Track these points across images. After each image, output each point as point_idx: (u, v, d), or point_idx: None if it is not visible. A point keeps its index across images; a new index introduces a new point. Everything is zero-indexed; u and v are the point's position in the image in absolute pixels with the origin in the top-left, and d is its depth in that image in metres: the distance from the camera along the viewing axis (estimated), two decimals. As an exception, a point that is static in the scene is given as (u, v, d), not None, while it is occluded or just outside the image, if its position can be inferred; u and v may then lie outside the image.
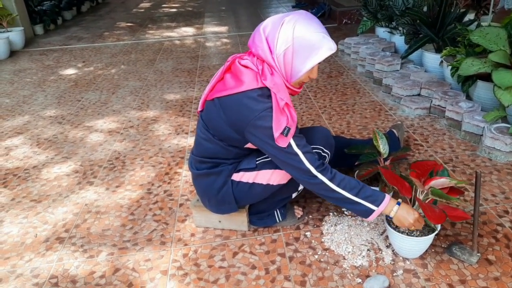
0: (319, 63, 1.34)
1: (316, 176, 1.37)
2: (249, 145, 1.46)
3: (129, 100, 3.31)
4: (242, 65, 1.38)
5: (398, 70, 3.14)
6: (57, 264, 1.62)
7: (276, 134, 1.31)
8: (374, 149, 1.75)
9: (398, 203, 1.41)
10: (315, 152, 1.54)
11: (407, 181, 1.50)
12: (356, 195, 1.38)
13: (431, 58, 3.02)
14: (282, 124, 1.32)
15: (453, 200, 1.37)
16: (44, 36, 6.04)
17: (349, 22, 5.48)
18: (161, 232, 1.76)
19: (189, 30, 5.84)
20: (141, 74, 3.97)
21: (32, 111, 3.23)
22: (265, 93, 1.34)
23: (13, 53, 5.05)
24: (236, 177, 1.55)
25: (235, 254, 1.61)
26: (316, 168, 1.37)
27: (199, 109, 1.51)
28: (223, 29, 5.85)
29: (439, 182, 1.40)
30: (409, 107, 2.66)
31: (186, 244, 1.68)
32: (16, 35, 5.17)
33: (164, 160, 2.35)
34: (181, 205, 1.93)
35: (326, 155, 1.59)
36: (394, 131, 2.14)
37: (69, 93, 3.60)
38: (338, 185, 1.38)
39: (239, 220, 1.70)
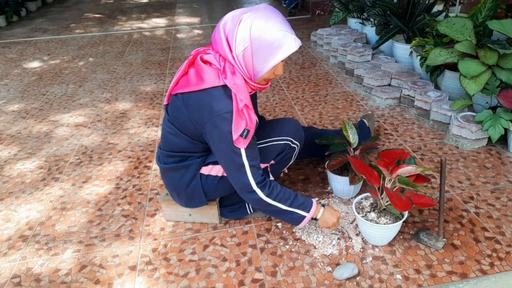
0: (282, 60, 1.30)
1: (254, 192, 1.39)
2: None
3: (97, 93, 3.21)
4: (205, 61, 1.34)
5: (369, 61, 3.16)
6: (20, 263, 1.55)
7: (235, 135, 1.29)
8: (344, 139, 1.76)
9: (323, 206, 1.50)
10: (284, 143, 1.54)
11: (376, 170, 1.51)
12: (290, 206, 1.43)
13: (401, 49, 3.05)
14: (242, 126, 1.30)
15: (419, 187, 1.39)
16: (7, 28, 5.78)
17: (322, 13, 5.49)
18: (130, 227, 1.72)
19: (160, 21, 5.72)
20: (110, 66, 3.86)
21: (-7, 105, 3.09)
22: (227, 92, 1.32)
23: (-27, 46, 4.82)
24: (205, 170, 1.53)
25: (205, 247, 1.58)
26: (257, 183, 1.38)
27: (165, 102, 1.47)
28: (195, 20, 5.75)
29: (406, 170, 1.42)
30: (380, 97, 2.69)
31: (155, 239, 1.64)
32: (-24, 26, 4.92)
33: (133, 154, 2.29)
34: (150, 199, 1.89)
35: (296, 146, 1.59)
36: (365, 121, 2.16)
37: (33, 86, 3.46)
38: (274, 199, 1.41)
39: (210, 213, 1.67)
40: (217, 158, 1.42)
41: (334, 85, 3.09)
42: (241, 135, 1.30)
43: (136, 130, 2.57)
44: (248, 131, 1.31)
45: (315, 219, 1.49)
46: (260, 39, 1.25)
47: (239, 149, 1.33)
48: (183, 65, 1.40)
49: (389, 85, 2.82)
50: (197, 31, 5.10)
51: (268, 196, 1.40)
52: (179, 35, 4.93)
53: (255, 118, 1.34)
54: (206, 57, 1.35)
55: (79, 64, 4.00)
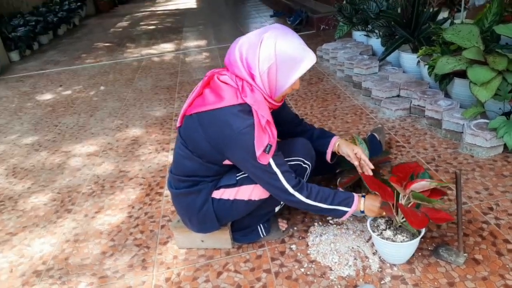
0: (303, 74, 1.34)
1: (293, 195, 1.40)
2: (227, 162, 1.44)
3: (108, 122, 3.25)
4: (221, 81, 1.37)
5: (376, 73, 3.14)
6: (34, 300, 1.55)
7: (258, 152, 1.30)
8: (354, 155, 1.72)
9: (363, 196, 1.50)
10: (296, 164, 1.52)
11: (389, 185, 1.47)
12: (331, 204, 1.45)
13: (408, 59, 3.03)
14: (264, 141, 1.31)
15: (434, 202, 1.34)
16: (20, 62, 5.96)
17: (326, 27, 5.51)
18: (143, 256, 1.70)
19: (167, 46, 5.82)
20: (120, 94, 3.92)
21: (7, 140, 3.15)
22: (245, 109, 1.33)
23: (-12, 82, 4.96)
24: (217, 194, 1.51)
25: (219, 274, 1.56)
26: (293, 187, 1.39)
27: (178, 124, 1.48)
28: (202, 43, 5.84)
29: (420, 185, 1.38)
30: (390, 109, 2.66)
31: (168, 268, 1.62)
32: (-10, 63, 5.08)
33: (144, 181, 2.29)
34: (162, 226, 1.88)
35: (307, 167, 1.57)
36: (375, 134, 2.12)
37: (46, 118, 3.52)
38: (314, 200, 1.43)
39: (222, 238, 1.65)
40: (246, 173, 1.43)
41: (342, 99, 3.07)
42: (264, 151, 1.31)
43: (147, 156, 2.58)
44: (271, 146, 1.33)
45: (362, 211, 1.50)
46: (285, 54, 1.29)
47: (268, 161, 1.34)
48: (198, 86, 1.42)
49: (398, 96, 2.79)
50: (204, 53, 5.17)
51: (307, 197, 1.41)
52: (187, 59, 5.00)
53: (276, 132, 1.36)
54: (222, 77, 1.37)
55: (90, 93, 4.07)
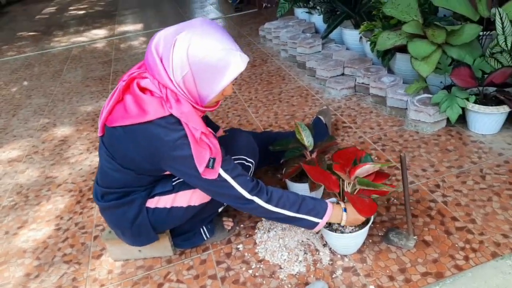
0: (231, 82, 1.13)
1: (251, 201, 1.23)
2: (167, 172, 1.27)
3: (33, 121, 2.93)
4: (143, 88, 1.15)
5: (320, 51, 3.05)
6: None
7: (201, 168, 1.13)
8: (299, 142, 1.62)
9: (344, 210, 1.32)
10: (238, 163, 1.38)
11: (334, 173, 1.38)
12: (297, 212, 1.27)
13: (351, 35, 2.95)
14: (205, 156, 1.14)
15: (381, 187, 1.26)
16: None
17: (269, 5, 5.35)
18: (73, 275, 1.51)
19: (100, 33, 5.40)
20: (46, 88, 3.56)
21: None
22: (176, 120, 1.14)
23: None
24: (151, 203, 1.35)
25: (160, 286, 1.41)
26: (250, 192, 1.22)
27: (99, 134, 1.26)
28: (138, 27, 5.48)
29: (364, 169, 1.30)
30: (335, 88, 2.58)
31: (102, 285, 1.45)
32: None
33: (74, 186, 2.06)
34: (95, 237, 1.69)
35: (251, 165, 1.43)
36: (321, 117, 2.03)
37: (-39, 121, 3.12)
38: (276, 205, 1.25)
39: (161, 246, 1.49)
40: (193, 186, 1.26)
41: (287, 81, 2.96)
42: (207, 166, 1.14)
43: (77, 158, 2.34)
44: (214, 159, 1.15)
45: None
46: (201, 63, 1.07)
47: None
48: (116, 90, 1.20)
49: (343, 74, 2.72)
50: (141, 38, 4.84)
51: (268, 202, 1.23)
52: (122, 45, 4.65)
53: (216, 141, 1.18)
54: (143, 83, 1.15)
55: (12, 90, 3.67)
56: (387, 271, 1.34)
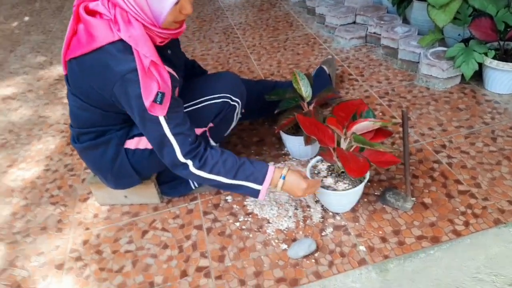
0: None
1: (184, 164, 1.14)
2: None
3: (30, 58, 2.83)
4: (91, 11, 1.04)
5: (331, -4, 2.83)
6: None
7: (147, 102, 1.03)
8: (296, 92, 1.51)
9: (283, 177, 1.20)
10: (222, 102, 1.29)
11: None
12: (233, 178, 1.17)
13: (366, -20, 2.72)
14: (153, 89, 1.03)
15: (377, 146, 1.17)
16: None
17: None
18: (59, 216, 1.49)
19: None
20: (46, 25, 3.42)
21: None
22: (127, 46, 1.03)
23: None
24: (130, 144, 1.28)
25: (144, 233, 1.38)
26: (184, 155, 1.13)
27: (64, 72, 1.17)
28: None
29: (362, 125, 1.20)
30: (344, 37, 2.41)
31: (87, 228, 1.42)
32: None
33: (66, 127, 2.00)
34: (83, 180, 1.65)
35: (236, 104, 1.34)
36: (325, 67, 1.90)
37: (-42, 56, 3.03)
38: (210, 172, 1.16)
39: (147, 193, 1.45)
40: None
41: (294, 27, 2.77)
42: (154, 101, 1.04)
43: (72, 98, 2.26)
44: (163, 94, 1.04)
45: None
46: None
47: (157, 117, 1.07)
48: (70, 22, 1.09)
49: (354, 22, 2.53)
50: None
51: (200, 168, 1.15)
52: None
53: (167, 76, 1.07)
54: (92, 5, 1.04)
55: (12, 25, 3.53)
56: (380, 232, 1.28)
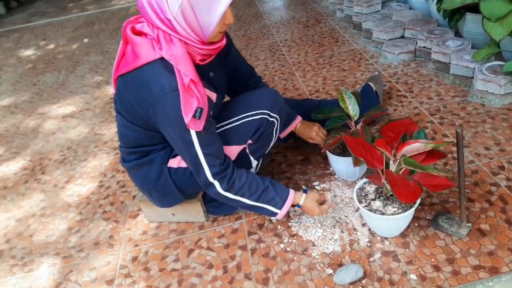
0: (230, 4, 1.04)
1: (212, 184, 1.20)
2: None
3: (88, 78, 3.02)
4: (136, 32, 1.10)
5: (379, 11, 2.78)
6: (-8, 284, 1.43)
7: (188, 118, 1.07)
8: (342, 111, 1.48)
9: (305, 191, 1.32)
10: (260, 118, 1.30)
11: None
12: (256, 201, 1.25)
13: (415, -8, 2.65)
14: (193, 105, 1.07)
15: (429, 170, 1.12)
16: (6, 15, 5.64)
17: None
18: (110, 232, 1.56)
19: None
20: (104, 46, 3.64)
21: (-16, 102, 2.97)
22: (167, 66, 1.07)
23: (-29, 38, 4.70)
24: (174, 163, 1.32)
25: (190, 251, 1.40)
26: (213, 175, 1.18)
27: (114, 91, 1.24)
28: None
29: (413, 147, 1.15)
30: (392, 52, 2.35)
31: (136, 245, 1.47)
32: (-30, 18, 4.77)
33: (118, 144, 2.09)
34: (134, 197, 1.72)
35: (275, 120, 1.34)
36: (371, 84, 1.86)
37: (25, 77, 3.30)
38: (236, 194, 1.23)
39: (193, 211, 1.48)
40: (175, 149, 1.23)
41: (340, 43, 2.75)
42: (194, 116, 1.08)
43: (124, 116, 2.37)
44: (202, 109, 1.08)
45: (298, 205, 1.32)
46: None
47: (190, 136, 1.12)
48: (120, 44, 1.16)
49: (402, 37, 2.46)
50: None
51: (227, 190, 1.21)
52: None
53: (205, 93, 1.11)
54: (138, 26, 1.11)
55: (73, 47, 3.80)
56: (432, 260, 1.21)
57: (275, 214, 1.28)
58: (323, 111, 1.56)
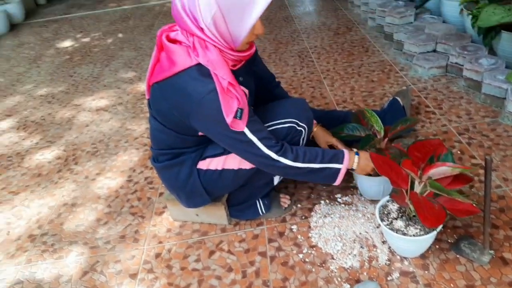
0: (260, 16, 1.07)
1: (278, 160, 1.22)
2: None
3: (122, 73, 3.12)
4: (171, 40, 1.15)
5: (411, 23, 2.76)
6: (24, 267, 1.52)
7: (229, 119, 1.11)
8: (367, 129, 1.49)
9: (357, 153, 1.35)
10: (288, 126, 1.34)
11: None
12: (321, 162, 1.27)
13: (450, 6, 2.61)
14: (233, 106, 1.11)
15: (455, 195, 1.12)
16: (47, 5, 5.83)
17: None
18: (136, 227, 1.62)
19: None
20: (137, 42, 3.74)
21: (24, 90, 3.10)
22: (205, 70, 1.12)
23: (14, 26, 4.89)
24: (203, 165, 1.36)
25: (211, 253, 1.45)
26: (276, 152, 1.21)
27: (147, 96, 1.30)
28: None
29: (440, 170, 1.15)
30: (422, 66, 2.33)
31: (160, 242, 1.53)
32: (14, 7, 4.97)
33: (148, 141, 2.17)
34: (161, 194, 1.78)
35: (302, 129, 1.36)
36: (399, 99, 1.86)
37: (62, 68, 3.43)
38: (303, 161, 1.25)
39: (217, 214, 1.52)
40: (221, 145, 1.26)
41: (370, 53, 2.74)
42: (235, 117, 1.12)
43: (154, 114, 2.45)
44: (242, 110, 1.13)
45: (352, 169, 1.35)
46: None
47: (242, 131, 1.16)
48: (154, 51, 1.21)
49: (434, 51, 2.44)
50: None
51: (295, 160, 1.23)
52: None
53: (243, 94, 1.15)
54: (172, 34, 1.15)
55: (108, 41, 3.92)
56: (451, 285, 1.21)
57: (337, 173, 1.29)
58: (345, 128, 1.57)
